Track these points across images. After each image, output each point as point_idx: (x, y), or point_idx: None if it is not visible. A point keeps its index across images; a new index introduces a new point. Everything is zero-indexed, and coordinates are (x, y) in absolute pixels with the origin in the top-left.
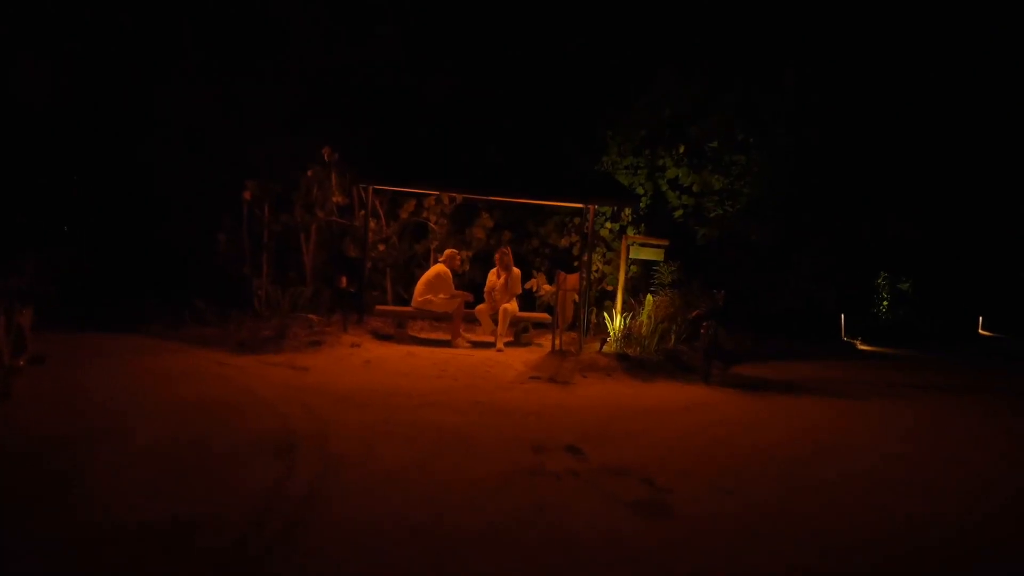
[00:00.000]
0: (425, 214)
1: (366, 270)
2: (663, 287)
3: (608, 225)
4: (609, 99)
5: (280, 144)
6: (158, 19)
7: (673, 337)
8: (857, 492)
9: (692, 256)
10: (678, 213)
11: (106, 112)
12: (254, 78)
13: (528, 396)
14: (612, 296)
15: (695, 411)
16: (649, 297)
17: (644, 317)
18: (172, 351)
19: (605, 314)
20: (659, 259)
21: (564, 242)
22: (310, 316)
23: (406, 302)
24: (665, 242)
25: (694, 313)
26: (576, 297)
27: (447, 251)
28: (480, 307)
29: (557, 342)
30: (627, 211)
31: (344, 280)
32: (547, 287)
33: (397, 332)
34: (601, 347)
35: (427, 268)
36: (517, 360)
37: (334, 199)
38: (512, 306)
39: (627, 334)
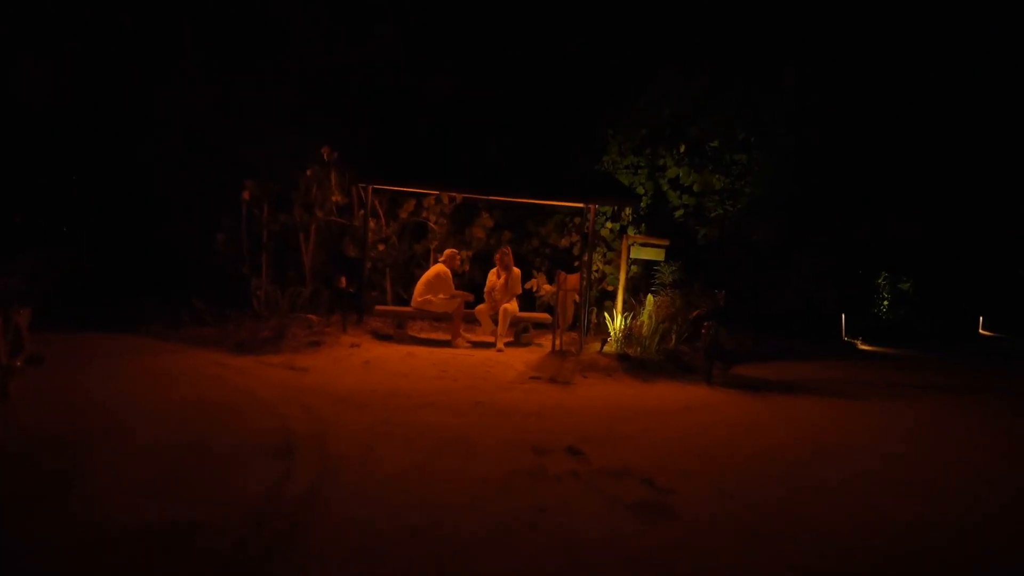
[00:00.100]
0: (425, 214)
1: (365, 270)
2: (664, 287)
3: (609, 225)
4: (609, 99)
5: (279, 144)
6: (158, 19)
7: (674, 337)
8: (858, 493)
9: (693, 256)
10: (679, 213)
11: (106, 112)
12: (254, 78)
13: (528, 397)
14: (613, 296)
15: (696, 412)
16: (650, 297)
17: (645, 317)
18: (171, 351)
19: (606, 314)
20: (660, 259)
21: (564, 242)
22: (309, 316)
23: (406, 302)
24: (666, 242)
25: (695, 313)
26: (576, 297)
27: (447, 251)
28: (480, 307)
29: (557, 342)
30: (628, 211)
31: (343, 280)
32: (547, 287)
33: (397, 332)
34: (602, 347)
35: (427, 268)
36: (517, 360)
37: (333, 199)
38: (512, 306)
39: (628, 334)
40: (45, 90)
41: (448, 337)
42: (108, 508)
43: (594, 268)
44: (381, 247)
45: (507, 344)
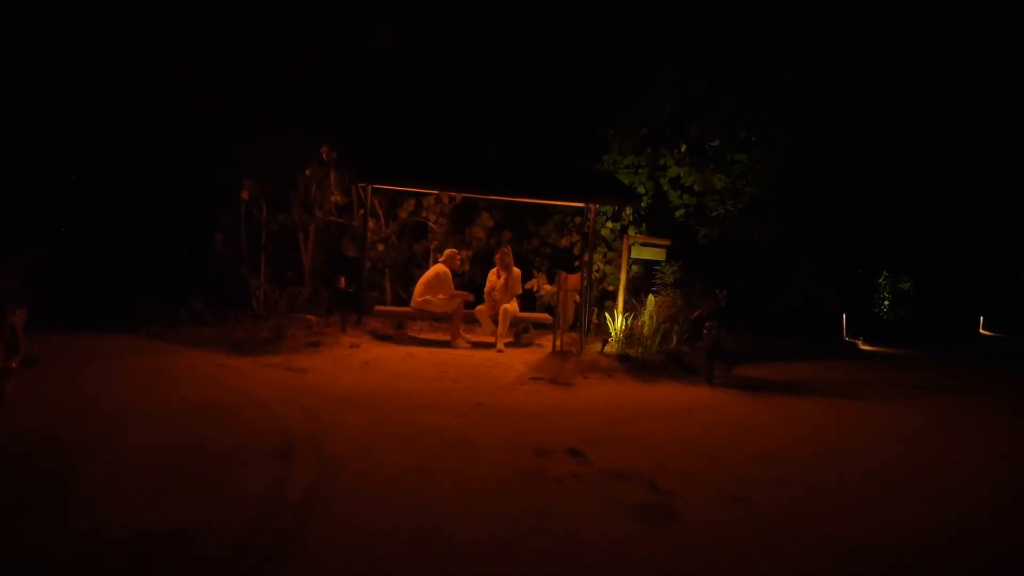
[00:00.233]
0: (424, 214)
1: (365, 270)
2: (665, 287)
3: (609, 225)
4: (609, 98)
5: (279, 143)
6: (157, 19)
7: (675, 337)
8: (859, 493)
9: (694, 256)
10: (679, 212)
11: (105, 112)
12: (254, 78)
13: (529, 398)
14: (613, 296)
15: (698, 413)
16: (651, 297)
17: (646, 317)
18: (169, 352)
19: (606, 314)
20: (661, 259)
21: (565, 242)
22: (308, 317)
23: (405, 302)
24: (667, 242)
25: (696, 313)
26: (577, 297)
27: (447, 251)
28: (480, 307)
29: (558, 343)
30: (628, 210)
31: (343, 280)
32: (548, 287)
33: (396, 333)
34: (602, 348)
35: (426, 268)
36: (518, 361)
37: (333, 198)
38: (512, 306)
39: (629, 334)
40: (45, 90)
41: (448, 338)
42: (106, 510)
43: (595, 268)
44: (380, 247)
45: (507, 344)
